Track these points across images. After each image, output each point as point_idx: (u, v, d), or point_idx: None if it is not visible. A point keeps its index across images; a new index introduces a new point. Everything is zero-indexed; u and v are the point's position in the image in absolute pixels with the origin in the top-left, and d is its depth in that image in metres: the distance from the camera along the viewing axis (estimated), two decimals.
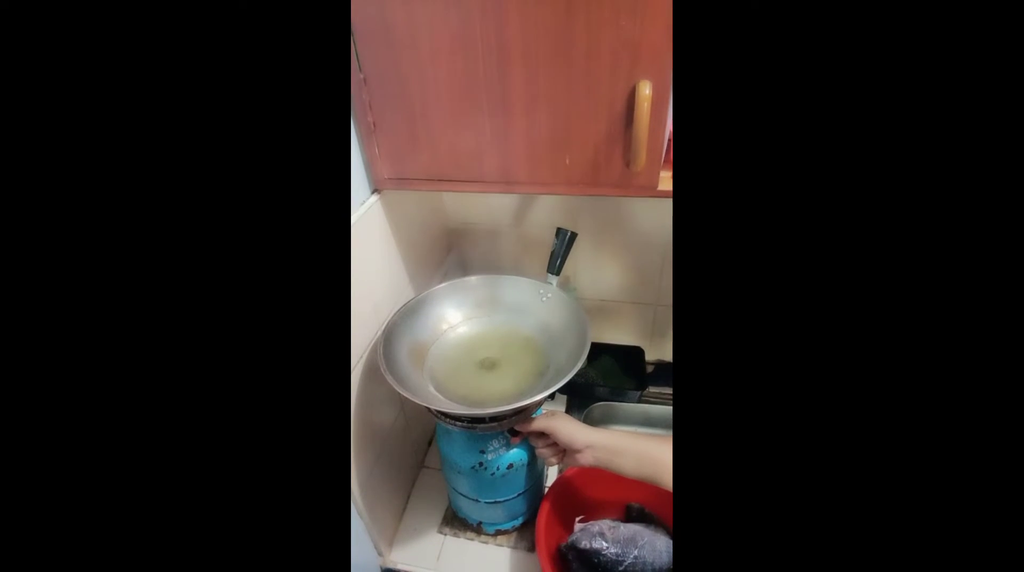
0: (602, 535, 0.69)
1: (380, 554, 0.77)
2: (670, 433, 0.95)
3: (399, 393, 0.57)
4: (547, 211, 0.92)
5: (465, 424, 0.62)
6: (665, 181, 0.52)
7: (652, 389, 0.98)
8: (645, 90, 0.46)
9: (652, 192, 0.53)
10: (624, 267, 0.95)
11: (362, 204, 0.62)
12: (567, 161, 0.52)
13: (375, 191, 0.64)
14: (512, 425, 0.63)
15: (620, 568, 0.67)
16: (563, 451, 0.63)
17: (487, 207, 0.94)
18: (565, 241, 0.70)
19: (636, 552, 0.68)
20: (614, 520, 0.74)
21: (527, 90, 0.49)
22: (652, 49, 0.45)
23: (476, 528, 0.79)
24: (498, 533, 0.79)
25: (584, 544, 0.69)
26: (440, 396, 0.63)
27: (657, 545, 0.70)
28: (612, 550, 0.68)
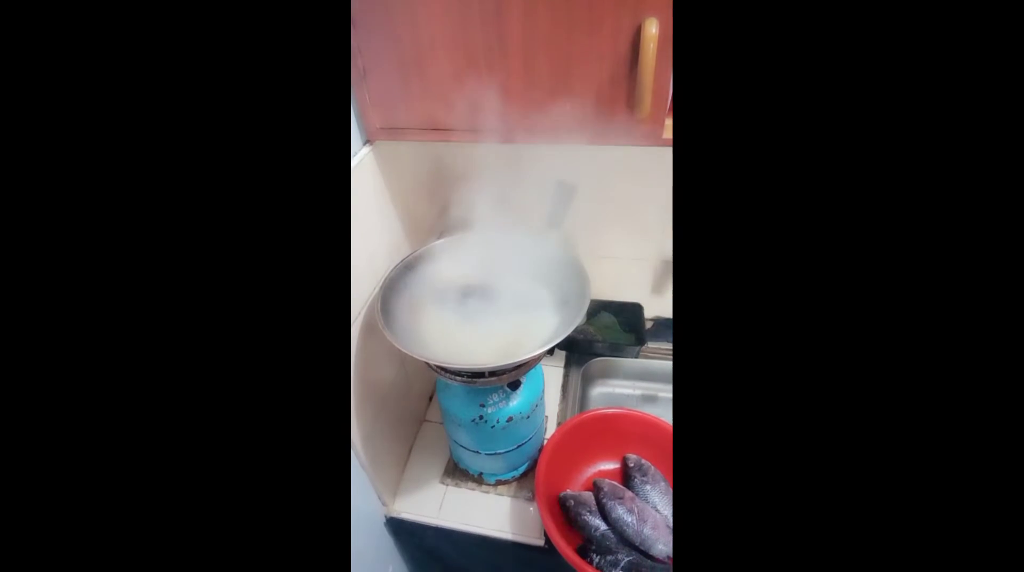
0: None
1: (384, 504, 0.79)
2: (669, 387, 0.97)
3: (398, 349, 0.57)
4: (547, 162, 0.89)
5: (465, 378, 0.63)
6: (670, 130, 0.50)
7: (651, 345, 0.98)
8: (651, 29, 0.43)
9: (657, 141, 0.51)
10: (625, 222, 0.93)
11: (354, 156, 0.60)
12: (568, 107, 0.50)
13: (367, 142, 0.62)
14: (511, 379, 0.64)
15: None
16: None
17: (484, 159, 0.91)
18: (565, 194, 0.68)
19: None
20: None
21: (525, 29, 0.46)
22: None
23: (477, 479, 0.82)
24: (499, 483, 0.81)
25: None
26: (439, 351, 0.63)
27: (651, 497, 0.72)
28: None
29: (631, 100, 0.48)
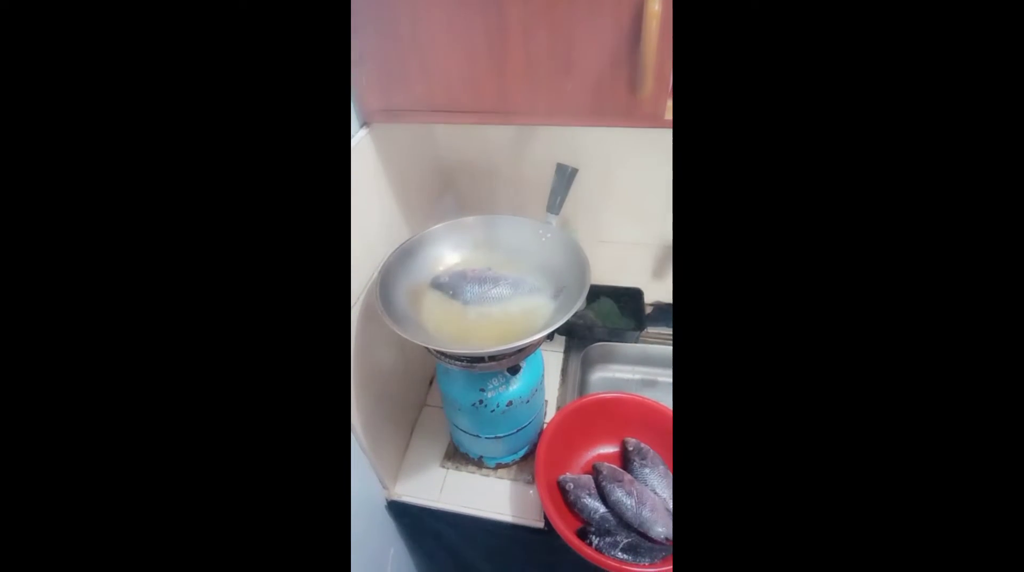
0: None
1: (385, 488, 0.80)
2: (669, 371, 0.97)
3: (398, 334, 0.57)
4: (546, 145, 0.88)
5: (465, 363, 0.63)
6: (672, 110, 0.49)
7: (651, 330, 0.98)
8: (654, 6, 0.42)
9: (658, 122, 0.50)
10: (625, 206, 0.92)
11: (351, 138, 0.59)
12: (568, 87, 0.49)
13: (364, 125, 0.61)
14: (511, 364, 0.64)
15: None
16: None
17: (483, 142, 0.90)
18: (565, 178, 0.68)
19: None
20: None
21: (525, 8, 0.45)
22: None
23: (477, 462, 0.82)
24: (499, 466, 0.82)
25: None
26: (439, 336, 0.63)
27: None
28: None
29: (633, 80, 0.47)
